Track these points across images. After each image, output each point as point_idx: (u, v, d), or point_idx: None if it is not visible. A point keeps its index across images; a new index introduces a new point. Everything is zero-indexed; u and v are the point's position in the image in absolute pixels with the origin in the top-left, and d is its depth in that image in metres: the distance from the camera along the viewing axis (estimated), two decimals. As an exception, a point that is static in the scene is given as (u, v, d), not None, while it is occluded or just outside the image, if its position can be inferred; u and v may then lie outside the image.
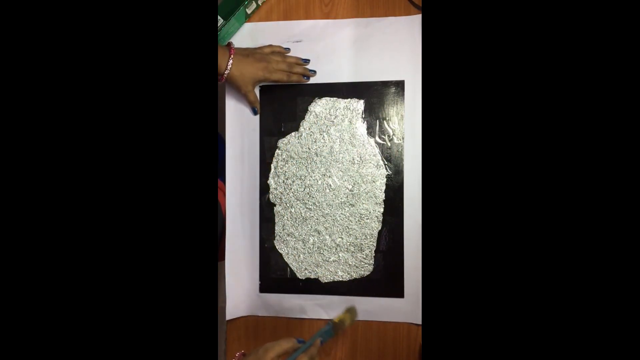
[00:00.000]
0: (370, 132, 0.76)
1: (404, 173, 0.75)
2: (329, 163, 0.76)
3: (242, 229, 0.78)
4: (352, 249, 0.76)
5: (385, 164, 0.75)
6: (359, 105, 0.76)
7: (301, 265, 0.77)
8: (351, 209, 0.76)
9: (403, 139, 0.75)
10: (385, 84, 0.75)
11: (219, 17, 0.74)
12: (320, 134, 0.77)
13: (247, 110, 0.79)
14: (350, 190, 0.76)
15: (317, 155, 0.77)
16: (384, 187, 0.75)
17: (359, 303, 0.75)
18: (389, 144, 0.75)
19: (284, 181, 0.77)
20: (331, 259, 0.76)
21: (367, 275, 0.75)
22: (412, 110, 0.75)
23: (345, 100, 0.76)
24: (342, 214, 0.76)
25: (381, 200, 0.75)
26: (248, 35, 0.79)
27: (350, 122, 0.76)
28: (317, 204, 0.76)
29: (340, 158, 0.76)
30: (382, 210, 0.75)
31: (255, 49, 0.76)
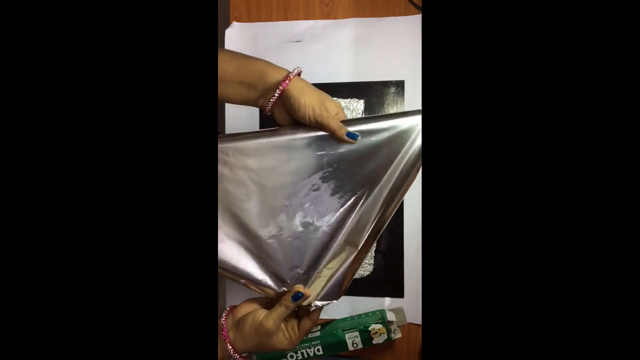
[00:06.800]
0: (370, 132, 0.76)
1: (404, 173, 0.75)
2: (329, 163, 0.76)
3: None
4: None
5: (385, 164, 0.75)
6: (359, 105, 0.76)
7: (301, 265, 0.77)
8: (351, 209, 0.75)
9: (403, 139, 0.75)
10: (385, 84, 0.75)
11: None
12: (320, 134, 0.76)
13: (247, 111, 0.78)
14: (350, 190, 0.76)
15: (317, 155, 0.76)
16: (384, 187, 0.75)
17: (359, 303, 0.75)
18: (389, 144, 0.75)
19: (284, 181, 0.77)
20: (331, 259, 0.76)
21: (367, 275, 0.75)
22: (412, 110, 0.75)
23: (345, 100, 0.76)
24: (342, 214, 0.76)
25: (381, 200, 0.75)
26: (248, 35, 0.79)
27: (350, 122, 0.76)
28: (317, 204, 0.76)
29: (340, 158, 0.76)
30: (382, 210, 0.75)
31: None
